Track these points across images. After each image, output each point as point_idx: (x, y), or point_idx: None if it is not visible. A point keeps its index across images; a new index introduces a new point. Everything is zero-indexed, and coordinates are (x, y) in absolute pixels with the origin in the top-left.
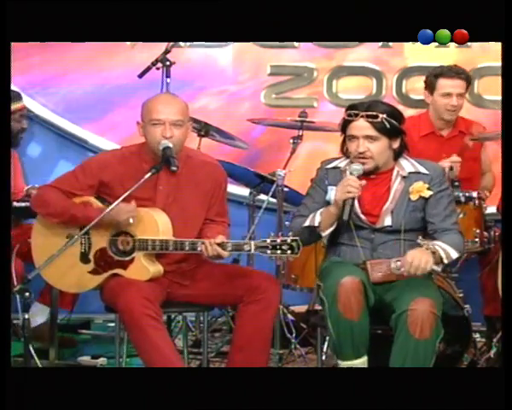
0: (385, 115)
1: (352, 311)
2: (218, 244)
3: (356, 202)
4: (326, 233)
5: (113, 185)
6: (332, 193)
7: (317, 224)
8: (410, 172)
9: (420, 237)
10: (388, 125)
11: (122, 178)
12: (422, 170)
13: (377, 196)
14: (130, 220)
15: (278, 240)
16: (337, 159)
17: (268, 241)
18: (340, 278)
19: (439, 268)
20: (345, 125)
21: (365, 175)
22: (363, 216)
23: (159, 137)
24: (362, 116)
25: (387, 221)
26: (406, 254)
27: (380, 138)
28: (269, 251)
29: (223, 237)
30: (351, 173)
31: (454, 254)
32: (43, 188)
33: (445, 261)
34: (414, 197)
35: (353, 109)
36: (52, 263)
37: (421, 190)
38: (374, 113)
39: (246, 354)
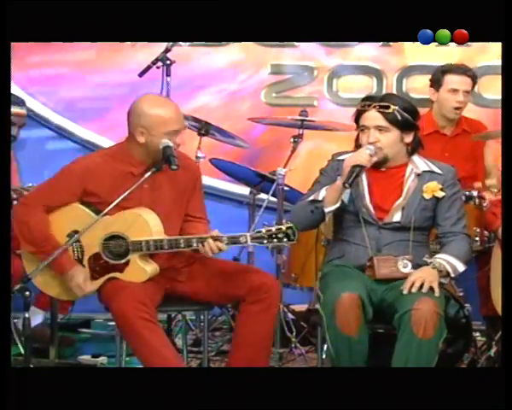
0: (397, 107)
1: (351, 327)
2: (214, 238)
3: (366, 195)
4: (329, 210)
5: (99, 193)
6: None
7: (320, 198)
8: (424, 171)
9: (426, 256)
10: (400, 118)
11: (110, 184)
12: (436, 170)
13: (388, 190)
14: (74, 290)
15: (273, 229)
16: (349, 152)
17: (263, 231)
18: (338, 293)
19: (445, 280)
20: (357, 117)
21: (376, 168)
22: (372, 209)
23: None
24: (374, 106)
25: (397, 217)
26: (411, 273)
27: (391, 130)
28: (265, 241)
29: (217, 231)
30: None
31: (461, 268)
32: (28, 208)
33: (452, 275)
34: (427, 196)
35: (367, 101)
36: (45, 271)
37: (435, 189)
38: (386, 103)
39: (246, 353)
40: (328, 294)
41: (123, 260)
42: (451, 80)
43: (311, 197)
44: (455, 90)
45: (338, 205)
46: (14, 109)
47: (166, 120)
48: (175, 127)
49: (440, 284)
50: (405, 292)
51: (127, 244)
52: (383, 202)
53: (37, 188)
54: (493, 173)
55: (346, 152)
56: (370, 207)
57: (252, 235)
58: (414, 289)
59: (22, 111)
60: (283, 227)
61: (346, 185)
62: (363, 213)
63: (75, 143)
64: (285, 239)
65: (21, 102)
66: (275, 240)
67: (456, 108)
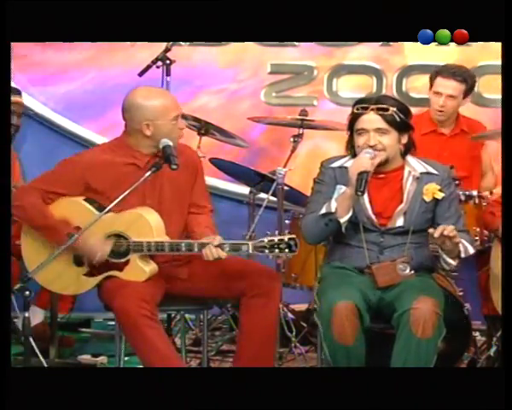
0: (395, 109)
1: (347, 336)
2: (216, 246)
3: (368, 205)
4: (344, 219)
5: (102, 188)
6: (340, 192)
7: (333, 210)
8: (421, 173)
9: (431, 230)
10: (398, 119)
11: (113, 178)
12: (432, 170)
13: (389, 196)
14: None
15: (276, 239)
16: (340, 158)
17: (265, 241)
18: (334, 302)
19: (454, 262)
20: (353, 120)
21: (374, 174)
22: (374, 217)
23: (177, 132)
24: (372, 109)
25: (399, 222)
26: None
27: (390, 131)
28: (267, 251)
29: (220, 238)
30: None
31: (471, 250)
32: (23, 191)
33: (463, 255)
34: (428, 198)
35: (362, 103)
36: (47, 266)
37: (434, 191)
38: (384, 105)
39: (251, 349)
40: (324, 303)
41: (123, 259)
42: (438, 83)
43: (323, 210)
44: (438, 93)
45: (351, 213)
46: (13, 98)
47: (169, 107)
48: (177, 112)
49: (449, 265)
50: (436, 235)
51: (128, 244)
52: (385, 210)
53: (37, 177)
54: (489, 174)
55: (337, 158)
56: (373, 216)
57: (254, 244)
58: (446, 232)
59: (20, 99)
60: (285, 238)
61: (359, 193)
62: (365, 222)
63: (75, 143)
64: (286, 250)
65: (18, 92)
66: (276, 250)
67: (439, 111)
